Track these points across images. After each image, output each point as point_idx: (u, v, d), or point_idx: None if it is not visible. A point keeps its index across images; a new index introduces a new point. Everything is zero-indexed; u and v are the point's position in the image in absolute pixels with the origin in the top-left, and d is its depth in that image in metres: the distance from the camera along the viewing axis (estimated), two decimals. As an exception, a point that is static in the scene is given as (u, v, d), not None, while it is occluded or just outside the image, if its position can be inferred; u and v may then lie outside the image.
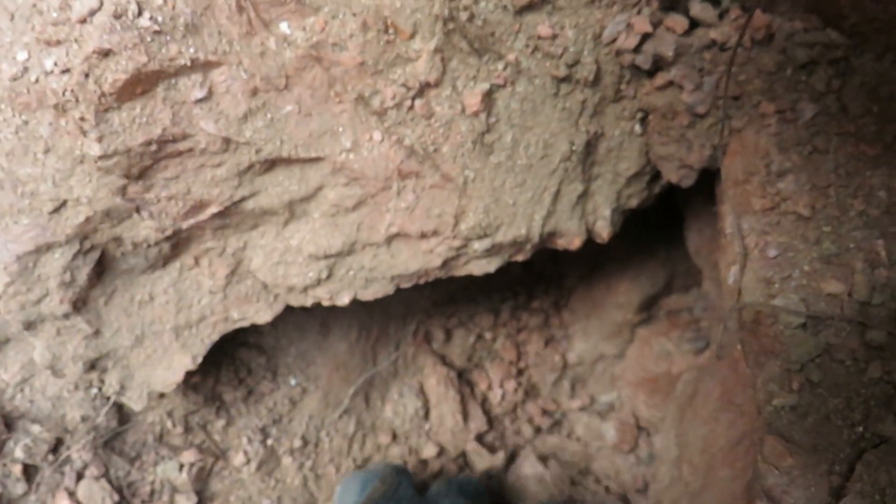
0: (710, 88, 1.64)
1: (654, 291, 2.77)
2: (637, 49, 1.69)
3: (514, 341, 2.98)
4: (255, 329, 2.27)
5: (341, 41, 1.54)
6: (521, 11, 1.65)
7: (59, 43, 1.40)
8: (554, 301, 3.03)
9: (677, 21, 1.68)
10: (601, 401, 2.89)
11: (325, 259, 1.71)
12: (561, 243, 1.85)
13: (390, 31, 1.56)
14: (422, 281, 1.80)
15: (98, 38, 1.37)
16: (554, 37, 1.67)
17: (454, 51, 1.62)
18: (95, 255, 1.56)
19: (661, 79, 1.70)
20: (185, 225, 1.61)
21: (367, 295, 1.79)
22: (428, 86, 1.61)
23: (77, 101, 1.41)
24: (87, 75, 1.39)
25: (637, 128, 1.80)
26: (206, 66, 1.47)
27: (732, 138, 1.58)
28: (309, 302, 1.78)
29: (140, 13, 1.39)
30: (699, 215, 2.20)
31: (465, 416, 2.67)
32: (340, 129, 1.59)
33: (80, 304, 1.59)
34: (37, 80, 1.42)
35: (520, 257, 1.84)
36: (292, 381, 2.30)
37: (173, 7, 1.41)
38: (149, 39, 1.39)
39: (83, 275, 1.55)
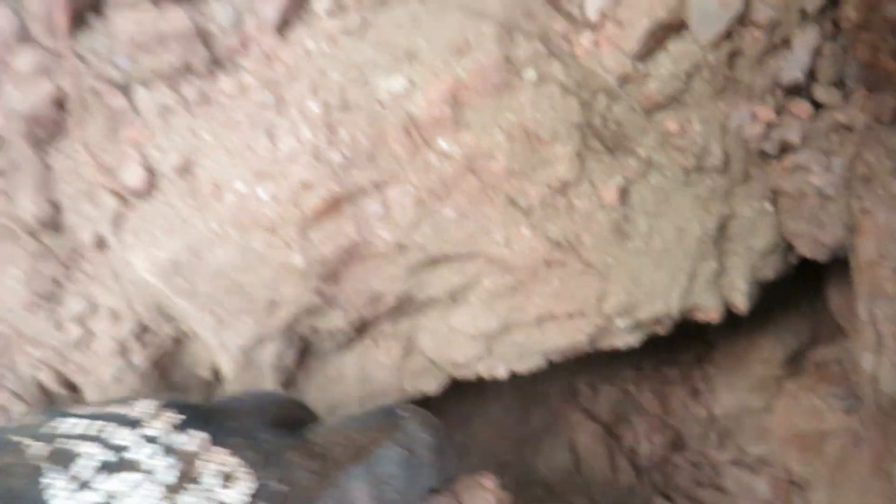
0: (839, 170, 1.74)
1: (798, 344, 2.78)
2: (763, 136, 1.82)
3: (658, 394, 3.07)
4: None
5: (491, 152, 1.79)
6: (651, 111, 1.84)
7: (269, 176, 1.76)
8: (696, 354, 3.10)
9: (802, 106, 1.80)
10: (751, 454, 2.91)
11: (483, 339, 1.95)
12: (700, 316, 1.98)
13: (533, 140, 1.80)
14: (570, 355, 2.00)
15: (301, 172, 1.71)
16: (682, 131, 1.84)
17: (590, 151, 1.83)
18: (299, 343, 1.90)
19: (788, 162, 1.81)
20: (366, 314, 1.92)
21: (522, 368, 2.01)
22: (568, 184, 1.83)
23: (284, 222, 1.75)
24: (292, 203, 1.73)
25: (768, 206, 1.91)
26: (382, 186, 1.77)
27: (864, 219, 1.66)
28: (471, 375, 2.03)
29: (331, 149, 1.72)
30: (839, 274, 2.24)
31: (614, 469, 2.80)
32: (493, 228, 1.84)
33: (287, 384, 1.93)
34: (253, 207, 1.78)
35: (660, 330, 1.99)
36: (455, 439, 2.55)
37: (356, 141, 1.73)
38: (339, 171, 1.71)
39: (290, 360, 1.89)
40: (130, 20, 1.57)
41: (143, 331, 1.87)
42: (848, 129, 1.74)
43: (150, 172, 1.70)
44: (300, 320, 1.88)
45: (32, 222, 1.63)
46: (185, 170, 1.76)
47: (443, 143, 1.82)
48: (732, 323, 2.98)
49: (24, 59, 1.56)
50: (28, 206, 1.58)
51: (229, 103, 1.69)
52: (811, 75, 1.79)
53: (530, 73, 1.81)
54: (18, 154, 1.56)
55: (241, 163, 1.79)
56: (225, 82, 1.65)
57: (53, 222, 1.62)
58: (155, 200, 1.80)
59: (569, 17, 1.85)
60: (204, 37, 1.60)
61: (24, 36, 1.60)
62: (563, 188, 1.83)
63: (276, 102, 1.73)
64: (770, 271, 1.98)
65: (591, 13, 1.83)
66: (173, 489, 1.08)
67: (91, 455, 1.09)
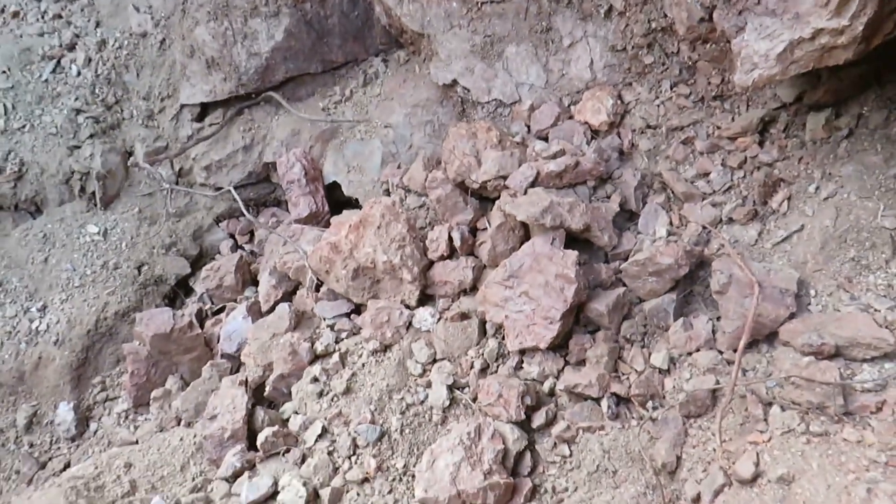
0: None
1: None
2: None
3: None
4: None
5: None
6: None
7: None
8: None
9: None
10: None
11: None
12: None
13: None
14: None
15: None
16: None
17: None
18: None
19: None
20: None
21: None
22: None
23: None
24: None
25: None
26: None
27: None
28: None
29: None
30: None
31: None
32: None
33: None
34: None
35: None
36: None
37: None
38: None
39: None
40: (789, 361, 2.07)
41: None
42: None
43: (757, 471, 2.02)
44: None
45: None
46: (786, 482, 2.05)
47: None
48: None
49: (705, 358, 2.20)
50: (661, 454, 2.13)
51: (844, 448, 1.98)
52: None
53: None
54: (672, 417, 2.15)
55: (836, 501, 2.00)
56: (849, 431, 1.95)
57: (672, 469, 2.11)
58: (752, 491, 2.11)
59: None
60: (846, 391, 1.97)
61: (710, 343, 2.25)
62: None
63: (887, 465, 1.94)
64: None
65: None
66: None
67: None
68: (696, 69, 2.82)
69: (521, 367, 2.46)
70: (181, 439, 2.65)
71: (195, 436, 2.64)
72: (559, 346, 2.46)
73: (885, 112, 2.43)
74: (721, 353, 2.23)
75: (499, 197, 2.80)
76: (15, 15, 4.33)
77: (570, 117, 3.07)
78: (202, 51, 3.68)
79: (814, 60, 2.05)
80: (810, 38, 2.00)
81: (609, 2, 2.94)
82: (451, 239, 2.76)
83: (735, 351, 2.17)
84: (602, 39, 3.02)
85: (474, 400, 2.42)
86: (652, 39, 2.89)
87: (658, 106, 2.86)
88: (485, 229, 2.79)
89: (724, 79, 2.74)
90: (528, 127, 3.11)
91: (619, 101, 2.94)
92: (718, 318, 2.33)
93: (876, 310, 2.07)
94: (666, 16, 2.78)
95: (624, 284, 2.52)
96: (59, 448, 3.21)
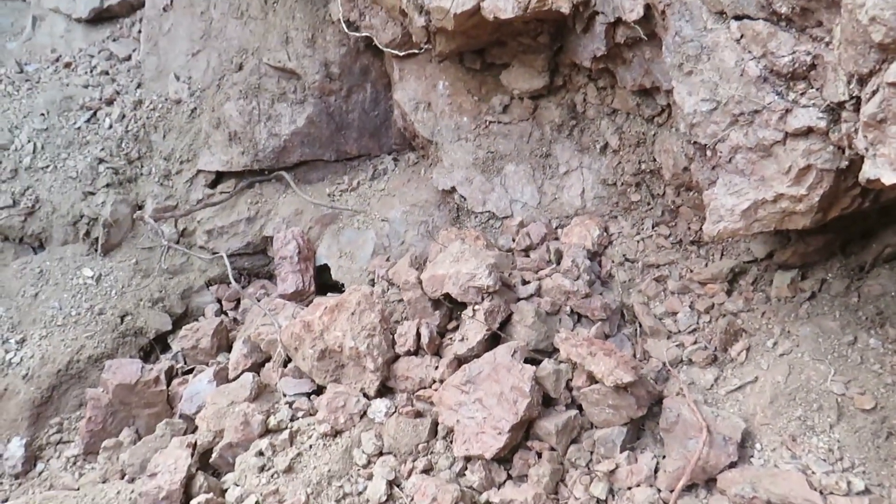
0: None
1: None
2: None
3: None
4: None
5: None
6: None
7: None
8: None
9: None
10: None
11: None
12: None
13: None
14: None
15: None
16: None
17: None
18: None
19: None
20: None
21: None
22: None
23: None
24: None
25: None
26: None
27: None
28: None
29: None
30: None
31: None
32: None
33: None
34: None
35: None
36: None
37: None
38: None
39: None
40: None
41: None
42: None
43: None
44: None
45: None
46: None
47: None
48: None
49: (642, 495, 2.18)
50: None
51: None
52: None
53: None
54: None
55: None
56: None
57: None
58: None
59: None
60: (773, 550, 1.95)
61: (650, 480, 2.23)
62: None
63: None
64: None
65: None
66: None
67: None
68: (678, 213, 2.95)
69: (464, 475, 2.46)
70: (118, 493, 2.64)
71: (132, 491, 2.63)
72: (504, 458, 2.46)
73: (846, 281, 2.52)
74: (659, 491, 2.23)
75: (470, 302, 2.87)
76: (67, 65, 4.65)
77: (556, 238, 3.19)
78: (227, 124, 3.90)
79: (775, 222, 2.16)
80: (773, 201, 2.12)
81: (606, 139, 3.12)
82: (419, 335, 2.82)
83: (672, 491, 2.17)
84: (595, 172, 3.18)
85: (411, 500, 2.40)
86: (640, 179, 3.05)
87: (638, 242, 2.98)
88: (454, 329, 2.85)
89: (702, 226, 2.86)
90: (515, 241, 3.23)
91: (604, 233, 3.06)
92: (664, 457, 2.33)
93: (813, 472, 2.08)
94: (655, 160, 2.95)
95: (579, 407, 2.54)
96: (0, 483, 3.18)
